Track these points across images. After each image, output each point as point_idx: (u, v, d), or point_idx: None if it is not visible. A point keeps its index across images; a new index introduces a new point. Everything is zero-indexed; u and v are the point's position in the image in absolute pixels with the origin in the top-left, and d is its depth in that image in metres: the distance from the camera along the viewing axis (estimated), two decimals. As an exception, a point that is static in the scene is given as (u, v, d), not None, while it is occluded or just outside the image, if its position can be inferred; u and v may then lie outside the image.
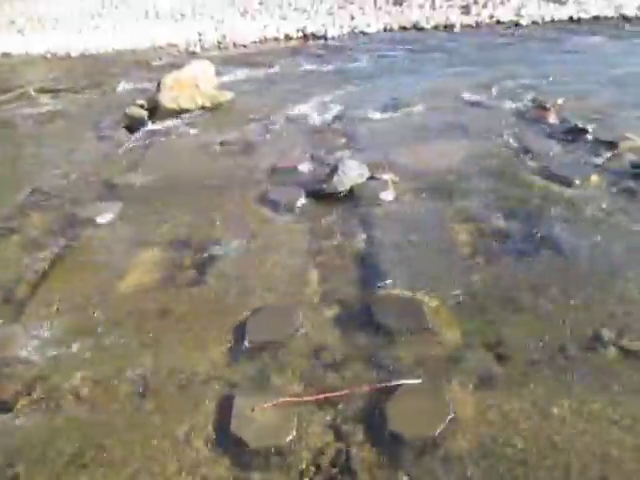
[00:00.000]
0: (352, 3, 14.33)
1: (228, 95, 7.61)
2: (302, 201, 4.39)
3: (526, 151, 5.06)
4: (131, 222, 4.30)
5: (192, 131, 6.52)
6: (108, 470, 2.20)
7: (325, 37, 11.98)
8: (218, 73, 8.47)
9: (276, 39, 12.25)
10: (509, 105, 6.48)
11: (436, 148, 5.35)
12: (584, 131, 5.29)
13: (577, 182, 4.31)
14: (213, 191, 4.73)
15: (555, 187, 4.31)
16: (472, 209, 4.07)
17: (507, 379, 2.50)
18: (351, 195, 4.42)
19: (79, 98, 8.61)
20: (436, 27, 11.98)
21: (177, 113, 7.03)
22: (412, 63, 9.20)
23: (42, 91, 9.17)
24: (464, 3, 13.24)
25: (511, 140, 5.37)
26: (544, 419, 2.27)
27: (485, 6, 12.90)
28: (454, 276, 3.29)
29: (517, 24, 11.65)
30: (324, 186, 4.45)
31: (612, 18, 11.64)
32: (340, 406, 2.40)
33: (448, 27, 11.89)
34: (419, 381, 2.48)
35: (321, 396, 2.42)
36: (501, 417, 2.30)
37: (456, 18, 12.20)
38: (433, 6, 13.40)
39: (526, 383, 2.47)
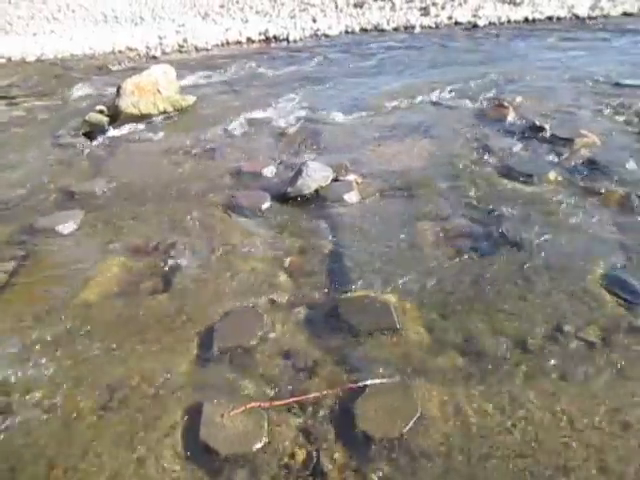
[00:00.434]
0: (313, 6, 14.37)
1: (190, 99, 7.54)
2: (267, 204, 4.39)
3: (487, 149, 5.16)
4: (93, 231, 4.22)
5: (154, 136, 6.42)
6: (74, 485, 2.15)
7: (287, 40, 11.98)
8: (180, 77, 8.39)
9: (238, 42, 12.18)
10: (469, 104, 6.60)
11: (399, 148, 5.41)
12: (541, 129, 5.43)
13: (536, 179, 4.43)
14: (177, 197, 4.68)
15: (515, 184, 4.41)
16: (436, 208, 4.13)
17: (474, 376, 2.55)
18: (316, 197, 4.43)
19: (36, 105, 8.39)
20: (397, 29, 12.11)
21: (138, 118, 6.92)
22: (374, 65, 9.28)
23: (-3, 98, 8.91)
24: (423, 5, 13.42)
25: (472, 139, 5.47)
26: (512, 415, 2.32)
27: (444, 7, 13.11)
28: (420, 275, 3.34)
29: (475, 25, 11.87)
30: (289, 189, 4.46)
31: (565, 18, 11.99)
32: (310, 409, 2.41)
33: (408, 28, 12.03)
34: (387, 380, 2.50)
35: (291, 400, 2.42)
36: (468, 414, 2.34)
37: (416, 20, 12.36)
38: (393, 8, 13.54)
39: (493, 379, 2.52)
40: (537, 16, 12.11)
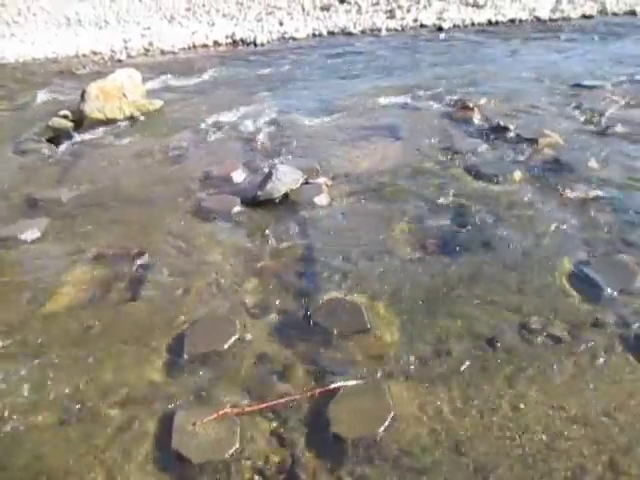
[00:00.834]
0: (280, 9, 14.36)
1: (157, 103, 7.44)
2: (237, 209, 4.36)
3: (454, 150, 5.23)
4: (58, 239, 4.13)
5: (121, 142, 6.33)
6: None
7: (254, 43, 11.93)
8: (146, 81, 8.29)
9: (205, 46, 12.08)
10: (436, 106, 6.69)
11: (368, 150, 5.45)
12: (506, 129, 5.53)
13: (502, 178, 4.52)
14: (144, 203, 4.61)
15: (482, 184, 4.49)
16: (405, 209, 4.17)
17: (446, 375, 2.58)
18: (286, 201, 4.43)
19: (-3, 111, 8.17)
20: (363, 32, 12.18)
21: (104, 123, 6.80)
22: (342, 67, 9.32)
23: (-45, 104, 8.64)
24: (389, 8, 13.54)
25: (439, 140, 5.54)
26: (484, 413, 2.36)
27: (409, 10, 13.24)
28: (391, 276, 3.36)
29: (440, 28, 12.02)
30: (259, 193, 4.44)
31: (527, 21, 12.24)
32: (283, 413, 2.40)
33: (375, 31, 12.11)
34: (360, 382, 2.51)
35: (263, 405, 2.41)
36: (441, 413, 2.36)
37: (382, 23, 12.45)
38: (359, 11, 13.62)
39: (465, 378, 2.55)
40: (500, 18, 12.33)
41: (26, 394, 2.62)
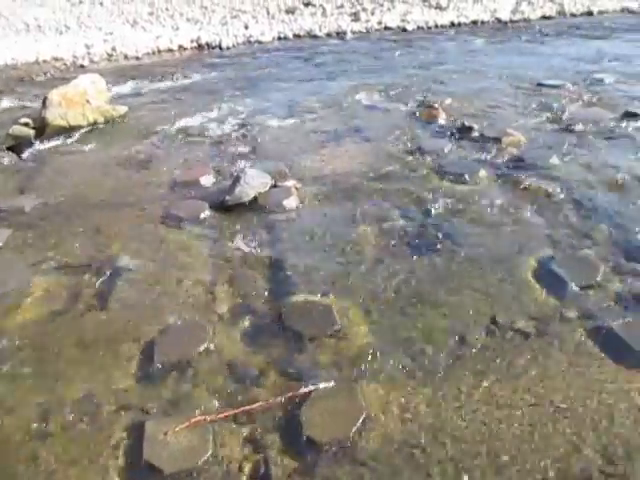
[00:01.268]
0: (245, 12, 14.32)
1: (122, 109, 7.32)
2: (206, 214, 4.32)
3: (420, 150, 5.29)
4: (22, 249, 4.02)
5: (85, 148, 6.21)
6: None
7: (220, 47, 11.86)
8: (110, 86, 8.16)
9: (170, 50, 11.95)
10: (402, 107, 6.76)
11: (336, 152, 5.47)
12: (471, 129, 5.63)
13: (467, 177, 4.59)
14: (111, 210, 4.53)
15: (448, 183, 4.55)
16: (374, 210, 4.20)
17: (417, 374, 2.60)
18: (255, 204, 4.41)
19: (-46, 119, 7.93)
20: (329, 34, 12.24)
21: (67, 130, 6.66)
22: (308, 70, 9.35)
23: None
24: (353, 10, 13.64)
25: (406, 141, 5.60)
26: (456, 411, 2.38)
27: (373, 13, 13.36)
28: (361, 277, 3.38)
29: (404, 30, 12.16)
30: (227, 197, 4.41)
31: (489, 22, 12.48)
32: (256, 419, 2.39)
33: (340, 34, 12.18)
34: (332, 384, 2.52)
35: (236, 411, 2.39)
36: (413, 412, 2.38)
37: (347, 25, 12.53)
38: (324, 14, 13.68)
39: (436, 376, 2.58)
40: (462, 20, 12.55)
41: (-9, 410, 2.55)
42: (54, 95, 6.81)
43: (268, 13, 14.14)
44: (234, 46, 11.93)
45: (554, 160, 4.82)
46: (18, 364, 2.83)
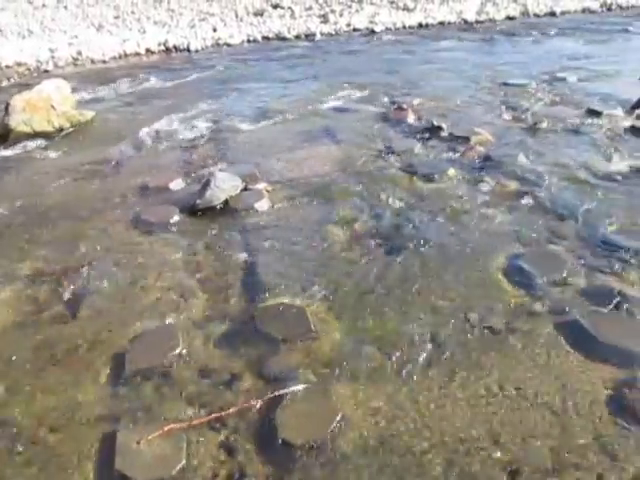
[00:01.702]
0: (213, 15, 14.23)
1: (88, 114, 7.21)
2: (176, 218, 4.28)
3: (390, 151, 5.33)
4: (-14, 259, 3.92)
5: (51, 155, 6.09)
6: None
7: (188, 50, 11.78)
8: (76, 91, 8.02)
9: (137, 54, 11.81)
10: (371, 108, 6.80)
11: (306, 154, 5.47)
12: (439, 128, 5.69)
13: (437, 176, 4.64)
14: (79, 217, 4.45)
15: (418, 183, 4.60)
16: (346, 211, 4.21)
17: (391, 373, 2.61)
18: (226, 208, 4.38)
19: None
20: (298, 36, 12.26)
21: (32, 137, 6.52)
22: (277, 72, 9.33)
23: None
24: (322, 12, 13.68)
25: (376, 141, 5.63)
26: (430, 409, 2.40)
27: (342, 15, 13.42)
28: (333, 278, 3.38)
29: (372, 31, 12.26)
30: (198, 201, 4.38)
31: (455, 23, 12.66)
32: (230, 424, 2.37)
33: (309, 36, 12.21)
34: (306, 386, 2.51)
35: (209, 417, 2.37)
36: (387, 411, 2.39)
37: (316, 27, 12.57)
38: (293, 16, 13.69)
39: (410, 375, 2.59)
40: (430, 21, 12.70)
41: (-45, 426, 2.48)
42: (17, 101, 6.67)
43: (236, 16, 14.08)
44: (203, 49, 11.85)
45: (521, 158, 4.91)
46: (-16, 377, 2.76)
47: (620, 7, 13.53)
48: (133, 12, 14.80)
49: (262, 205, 4.39)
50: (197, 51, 11.75)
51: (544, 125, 5.71)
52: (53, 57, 11.40)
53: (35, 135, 6.54)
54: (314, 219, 4.14)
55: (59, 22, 14.24)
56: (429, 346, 2.78)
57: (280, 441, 2.23)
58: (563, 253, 3.48)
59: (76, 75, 10.03)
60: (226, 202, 4.42)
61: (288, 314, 3.05)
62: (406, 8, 13.62)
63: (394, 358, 2.71)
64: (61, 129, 6.78)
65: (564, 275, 3.25)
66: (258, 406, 2.43)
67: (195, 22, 13.72)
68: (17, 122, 6.48)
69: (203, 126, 6.65)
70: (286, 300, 3.20)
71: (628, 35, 10.47)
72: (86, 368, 2.78)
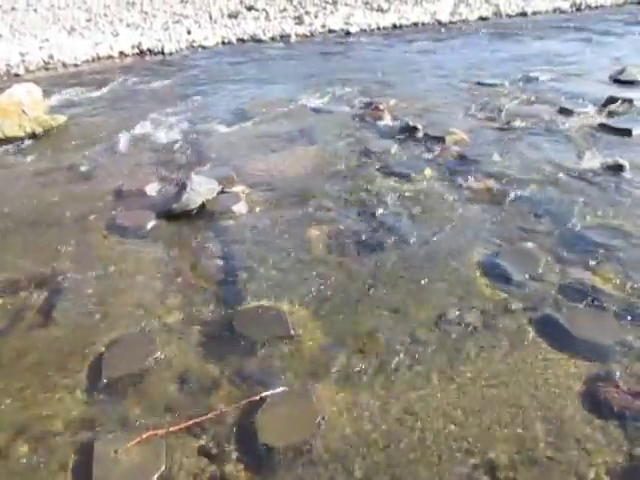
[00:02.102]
0: (187, 17, 14.12)
1: (61, 119, 7.08)
2: (152, 223, 4.24)
3: (367, 151, 5.35)
4: (-43, 269, 3.83)
5: (23, 160, 5.96)
6: None
7: (162, 52, 11.66)
8: (48, 96, 7.89)
9: (110, 57, 11.64)
10: (347, 109, 6.82)
11: (284, 156, 5.46)
12: (415, 129, 5.73)
13: (413, 176, 4.67)
14: (52, 224, 4.37)
15: (395, 183, 4.62)
16: (323, 212, 4.21)
17: (371, 374, 2.62)
18: (203, 211, 4.35)
19: None
20: (273, 38, 12.22)
21: (3, 142, 6.38)
22: (253, 74, 9.30)
23: None
24: (297, 14, 13.67)
25: (352, 142, 5.65)
26: (412, 409, 2.41)
27: (316, 16, 13.43)
28: (312, 280, 3.38)
29: (348, 32, 12.29)
30: (174, 205, 4.33)
31: (429, 24, 12.77)
32: (210, 429, 2.35)
33: (284, 37, 12.19)
34: (286, 389, 2.51)
35: (188, 423, 2.34)
36: (368, 412, 2.40)
37: (291, 29, 12.55)
38: (268, 18, 13.66)
39: (389, 375, 2.61)
40: (404, 22, 12.78)
41: None
42: (-13, 106, 6.53)
43: (211, 18, 14.00)
44: (177, 51, 11.75)
45: (496, 157, 4.97)
46: (-45, 390, 2.69)
47: (589, 7, 13.79)
48: (106, 15, 14.61)
49: (239, 208, 4.37)
50: (171, 53, 11.64)
51: (518, 124, 5.79)
52: (24, 61, 11.18)
53: (6, 140, 6.41)
54: (292, 221, 4.13)
55: (29, 25, 13.99)
56: (408, 346, 2.79)
57: (261, 445, 2.22)
58: (538, 250, 3.53)
59: (48, 79, 9.86)
60: (203, 206, 4.38)
61: (267, 317, 3.04)
62: (380, 9, 13.70)
63: (373, 359, 2.72)
64: (33, 134, 6.64)
65: (539, 272, 3.30)
66: (237, 410, 2.41)
67: (169, 24, 13.60)
68: (-13, 127, 6.35)
69: (178, 129, 6.59)
70: (265, 303, 3.19)
71: (598, 35, 10.68)
72: (62, 376, 2.74)
